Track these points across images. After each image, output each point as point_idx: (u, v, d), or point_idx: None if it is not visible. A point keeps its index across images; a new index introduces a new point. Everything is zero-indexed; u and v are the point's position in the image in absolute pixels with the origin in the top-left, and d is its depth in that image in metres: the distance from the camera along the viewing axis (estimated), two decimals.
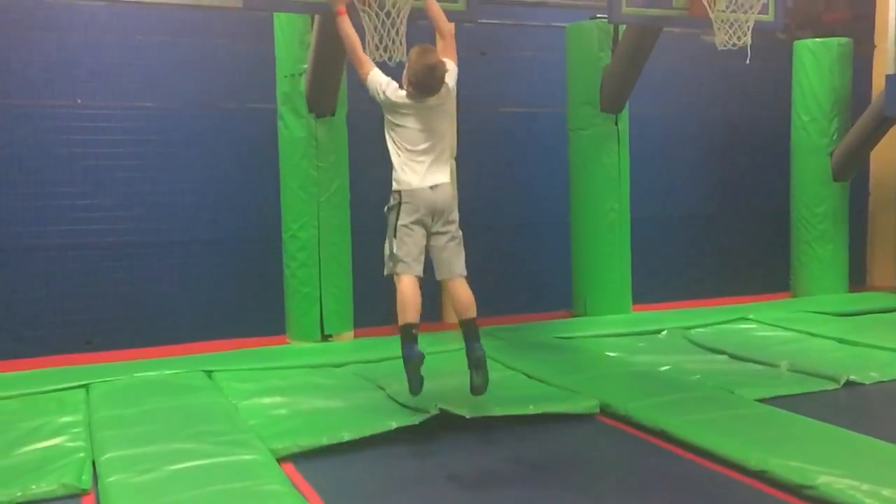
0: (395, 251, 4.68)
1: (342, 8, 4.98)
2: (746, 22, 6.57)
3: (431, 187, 4.67)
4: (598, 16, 7.62)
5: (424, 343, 6.62)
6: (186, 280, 7.37)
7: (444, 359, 6.37)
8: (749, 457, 4.09)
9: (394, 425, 4.53)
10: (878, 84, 8.79)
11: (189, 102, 7.32)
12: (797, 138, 8.84)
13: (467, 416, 4.63)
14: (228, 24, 7.36)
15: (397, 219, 4.67)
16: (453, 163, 4.87)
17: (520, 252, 8.52)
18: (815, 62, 8.61)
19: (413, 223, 4.67)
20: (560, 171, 8.14)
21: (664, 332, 7.11)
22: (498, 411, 4.76)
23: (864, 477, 3.75)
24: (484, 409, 4.76)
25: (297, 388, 5.51)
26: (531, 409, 4.82)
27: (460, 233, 4.87)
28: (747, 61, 6.56)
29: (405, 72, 4.74)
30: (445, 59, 4.77)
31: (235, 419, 4.81)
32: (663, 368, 5.95)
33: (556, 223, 8.37)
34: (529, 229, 8.57)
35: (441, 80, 4.66)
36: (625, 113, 7.84)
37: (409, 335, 4.62)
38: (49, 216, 6.91)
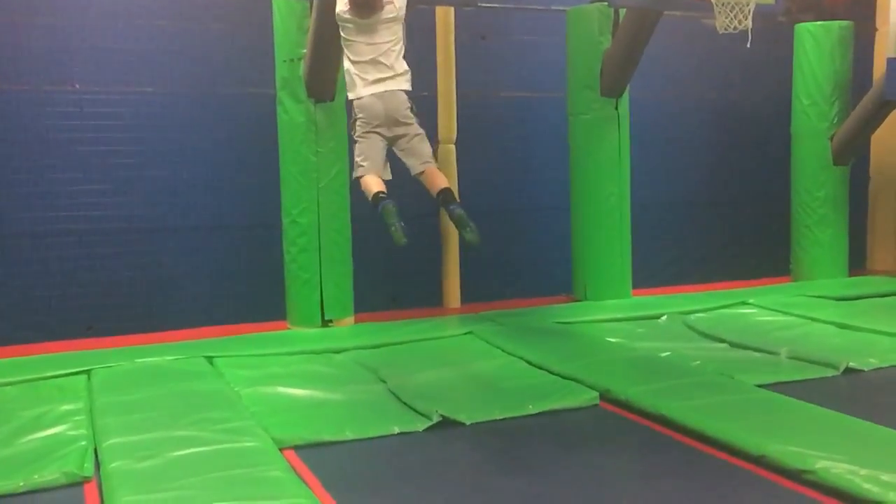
0: (356, 158, 5.16)
1: None
2: (747, 5, 6.54)
3: (378, 95, 5.03)
4: None
5: (425, 328, 6.71)
6: (187, 265, 7.36)
7: (445, 344, 6.42)
8: (748, 442, 4.10)
9: (396, 430, 4.55)
10: (880, 67, 8.75)
11: (188, 87, 7.28)
12: (797, 122, 8.81)
13: (467, 423, 4.65)
14: (227, 9, 7.32)
15: (355, 131, 5.15)
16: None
17: (520, 237, 8.50)
18: (816, 45, 8.57)
19: (368, 132, 5.09)
20: (560, 155, 8.12)
21: (664, 317, 7.09)
22: (498, 415, 4.78)
23: (862, 462, 3.76)
24: (483, 413, 4.77)
25: (298, 377, 5.52)
26: (531, 409, 4.84)
27: (421, 130, 5.21)
28: (748, 45, 6.53)
29: None
30: None
31: (237, 406, 4.81)
32: (663, 354, 5.95)
33: (555, 208, 8.35)
34: (529, 214, 8.55)
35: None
36: (625, 97, 7.81)
37: (377, 198, 4.98)
38: (47, 202, 6.88)
